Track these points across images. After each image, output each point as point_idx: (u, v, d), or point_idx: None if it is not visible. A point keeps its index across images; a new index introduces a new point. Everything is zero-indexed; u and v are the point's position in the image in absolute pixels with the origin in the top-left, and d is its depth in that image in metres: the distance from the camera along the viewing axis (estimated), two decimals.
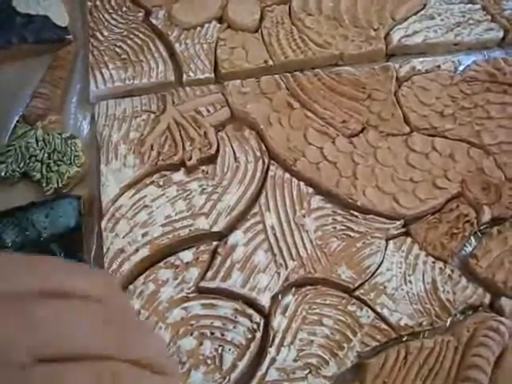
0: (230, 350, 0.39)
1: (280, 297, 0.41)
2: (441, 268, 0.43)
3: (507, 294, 0.42)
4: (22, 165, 0.47)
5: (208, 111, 0.50)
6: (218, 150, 0.48)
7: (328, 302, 0.41)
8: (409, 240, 0.44)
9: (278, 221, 0.44)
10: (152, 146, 0.47)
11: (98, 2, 0.58)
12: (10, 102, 0.51)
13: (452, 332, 0.40)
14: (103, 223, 0.43)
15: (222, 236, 0.44)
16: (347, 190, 0.46)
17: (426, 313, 0.41)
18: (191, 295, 0.40)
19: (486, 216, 0.45)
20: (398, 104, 0.51)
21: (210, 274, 0.41)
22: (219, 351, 0.39)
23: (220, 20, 0.57)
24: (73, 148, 0.48)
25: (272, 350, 0.39)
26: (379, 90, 0.51)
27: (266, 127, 0.49)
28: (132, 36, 0.55)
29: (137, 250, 0.42)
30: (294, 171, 0.47)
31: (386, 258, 0.43)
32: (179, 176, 0.46)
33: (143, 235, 0.43)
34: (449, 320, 0.41)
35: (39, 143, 0.48)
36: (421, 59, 0.54)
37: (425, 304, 0.41)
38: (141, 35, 0.55)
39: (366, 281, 0.42)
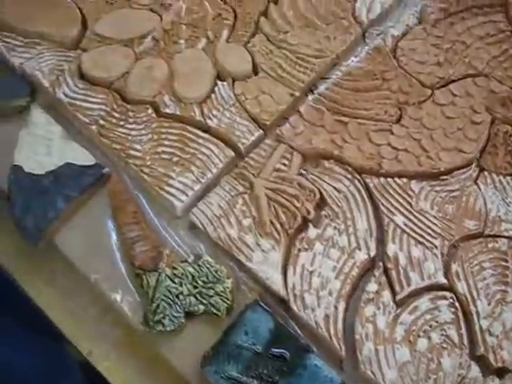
0: None
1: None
2: None
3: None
4: (178, 309, 0.48)
5: (284, 165, 0.54)
6: (320, 192, 0.53)
7: None
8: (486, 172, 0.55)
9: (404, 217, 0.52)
10: (272, 222, 0.51)
11: (101, 122, 0.55)
12: None
13: None
14: (295, 308, 0.48)
15: (377, 254, 0.50)
16: (429, 164, 0.54)
17: None
18: None
19: None
20: (407, 73, 0.59)
21: None
22: None
23: (219, 77, 0.58)
24: (207, 265, 0.50)
25: None
26: (386, 70, 0.59)
27: (338, 151, 0.54)
28: (163, 136, 0.54)
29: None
30: (384, 173, 0.54)
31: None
32: (313, 232, 0.51)
33: (329, 293, 0.48)
34: None
35: (176, 280, 0.49)
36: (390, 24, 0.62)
37: None
38: (170, 130, 0.54)
39: None
